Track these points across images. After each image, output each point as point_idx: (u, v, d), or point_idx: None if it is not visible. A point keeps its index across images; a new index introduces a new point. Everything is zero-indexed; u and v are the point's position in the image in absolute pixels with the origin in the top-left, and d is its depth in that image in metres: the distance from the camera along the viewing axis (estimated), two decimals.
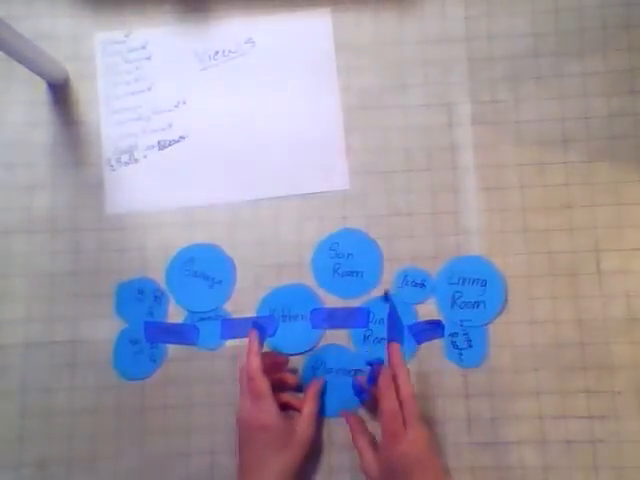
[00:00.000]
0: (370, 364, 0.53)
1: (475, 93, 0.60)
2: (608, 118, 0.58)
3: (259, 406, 0.50)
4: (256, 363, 0.51)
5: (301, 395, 0.55)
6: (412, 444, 0.47)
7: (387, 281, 0.57)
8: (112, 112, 0.62)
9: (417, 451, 0.47)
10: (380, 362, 0.52)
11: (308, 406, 0.52)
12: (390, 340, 0.55)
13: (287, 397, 0.54)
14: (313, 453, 0.55)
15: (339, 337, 0.57)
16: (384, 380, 0.50)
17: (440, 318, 0.57)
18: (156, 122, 0.61)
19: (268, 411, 0.50)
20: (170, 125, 0.61)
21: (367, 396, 0.54)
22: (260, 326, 0.54)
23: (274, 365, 0.54)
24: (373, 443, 0.52)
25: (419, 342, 0.56)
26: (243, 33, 0.62)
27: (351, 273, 0.58)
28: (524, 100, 0.59)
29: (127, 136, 0.61)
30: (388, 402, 0.49)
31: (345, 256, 0.58)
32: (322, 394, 0.55)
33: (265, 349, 0.55)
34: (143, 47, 0.63)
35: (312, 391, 0.54)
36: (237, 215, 0.60)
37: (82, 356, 0.58)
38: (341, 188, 0.59)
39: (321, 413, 0.56)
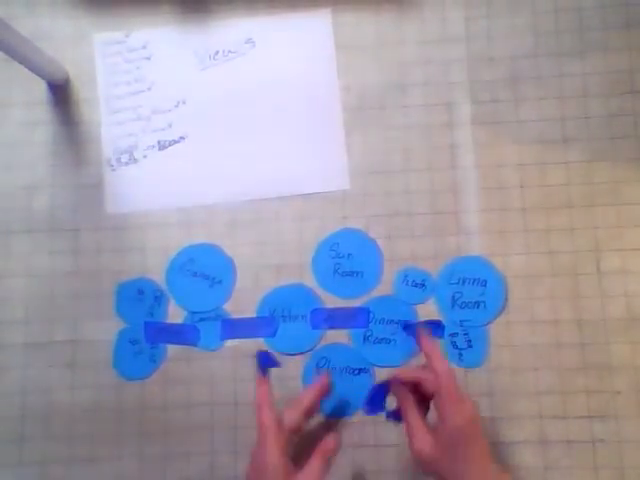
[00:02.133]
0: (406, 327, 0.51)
1: (475, 93, 0.60)
2: (608, 118, 0.58)
3: (261, 443, 0.46)
4: (262, 394, 0.47)
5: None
6: (475, 409, 0.44)
7: (387, 281, 0.57)
8: (112, 112, 0.62)
9: (474, 420, 0.44)
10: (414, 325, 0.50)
11: (312, 466, 0.46)
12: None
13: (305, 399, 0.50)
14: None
15: (339, 337, 0.57)
16: (426, 341, 0.47)
17: (440, 318, 0.57)
18: (156, 122, 0.61)
19: (267, 450, 0.45)
20: (170, 125, 0.61)
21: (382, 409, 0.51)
22: (263, 356, 0.51)
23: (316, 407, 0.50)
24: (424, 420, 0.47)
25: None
26: (243, 33, 0.62)
27: (351, 273, 0.58)
28: (524, 100, 0.59)
29: (127, 136, 0.61)
30: (440, 362, 0.45)
31: (345, 256, 0.58)
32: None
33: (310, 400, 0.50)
34: (143, 47, 0.63)
35: (323, 450, 0.47)
36: (237, 215, 0.60)
37: (82, 356, 0.58)
38: (341, 188, 0.59)
39: (326, 413, 0.56)
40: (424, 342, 0.48)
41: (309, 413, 0.49)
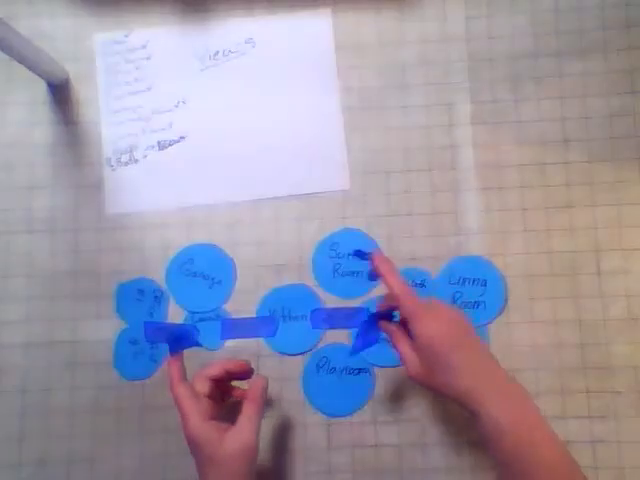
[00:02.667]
0: (357, 255, 0.52)
1: (475, 93, 0.60)
2: (608, 118, 0.58)
3: (180, 416, 0.46)
4: (171, 372, 0.47)
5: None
6: (437, 318, 0.45)
7: None
8: (112, 112, 0.62)
9: (447, 327, 0.45)
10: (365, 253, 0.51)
11: (246, 412, 0.46)
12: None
13: (232, 391, 0.51)
14: (313, 454, 0.55)
15: (339, 337, 0.57)
16: (380, 265, 0.49)
17: None
18: (156, 122, 0.61)
19: (189, 421, 0.45)
20: (170, 125, 0.61)
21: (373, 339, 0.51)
22: (176, 334, 0.50)
23: (233, 375, 0.50)
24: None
25: None
26: (243, 33, 0.62)
27: (351, 273, 0.58)
28: (524, 100, 0.59)
29: (127, 136, 0.61)
30: (396, 283, 0.47)
31: (345, 256, 0.58)
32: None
33: (234, 356, 0.53)
34: (143, 47, 0.63)
35: (253, 392, 0.47)
36: (237, 215, 0.60)
37: (82, 356, 0.58)
38: (341, 188, 0.59)
39: (326, 414, 0.56)
40: (379, 266, 0.49)
41: (216, 379, 0.48)
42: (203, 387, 0.48)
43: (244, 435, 0.45)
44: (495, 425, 0.42)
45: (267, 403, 0.54)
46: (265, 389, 0.48)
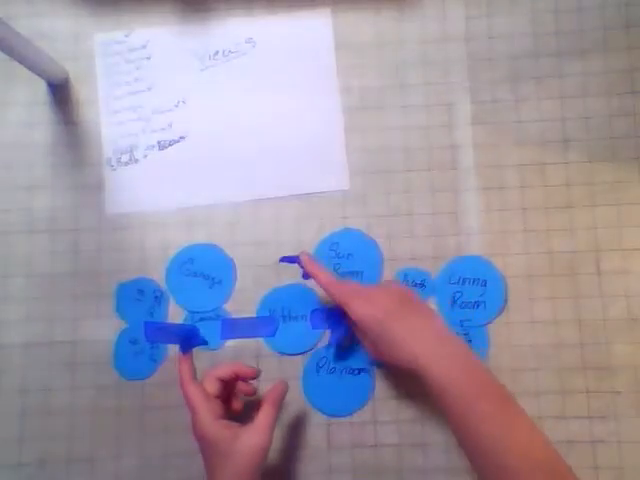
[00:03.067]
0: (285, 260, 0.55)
1: (475, 93, 0.60)
2: (608, 118, 0.58)
3: (192, 415, 0.47)
4: (182, 372, 0.49)
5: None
6: (366, 299, 0.49)
7: (387, 279, 0.57)
8: (112, 112, 0.62)
9: (375, 304, 0.49)
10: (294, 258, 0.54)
11: (263, 412, 0.47)
12: None
13: (238, 385, 0.53)
14: (313, 454, 0.55)
15: None
16: (308, 263, 0.53)
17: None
18: (156, 122, 0.61)
19: (201, 420, 0.46)
20: (170, 125, 0.61)
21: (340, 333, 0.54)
22: (187, 333, 0.51)
23: (240, 377, 0.52)
24: None
25: None
26: (243, 33, 0.62)
27: (351, 273, 0.58)
28: (524, 100, 0.59)
29: (127, 136, 0.61)
30: (320, 276, 0.51)
31: (345, 256, 0.58)
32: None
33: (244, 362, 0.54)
34: (143, 47, 0.63)
35: (273, 396, 0.49)
36: (237, 215, 0.60)
37: (82, 356, 0.58)
38: (341, 188, 0.59)
39: (326, 414, 0.56)
40: (307, 267, 0.53)
41: (224, 380, 0.50)
42: (212, 387, 0.49)
43: (261, 434, 0.46)
44: (439, 385, 0.45)
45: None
46: (285, 394, 0.50)
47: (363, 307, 0.49)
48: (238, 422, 0.48)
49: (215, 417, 0.47)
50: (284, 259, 0.55)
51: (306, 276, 0.54)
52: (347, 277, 0.58)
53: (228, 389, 0.51)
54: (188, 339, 0.51)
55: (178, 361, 0.50)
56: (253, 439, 0.46)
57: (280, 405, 0.49)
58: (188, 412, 0.55)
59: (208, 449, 0.46)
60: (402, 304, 0.49)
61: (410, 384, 0.56)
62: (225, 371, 0.50)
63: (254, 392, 0.53)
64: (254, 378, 0.52)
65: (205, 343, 0.53)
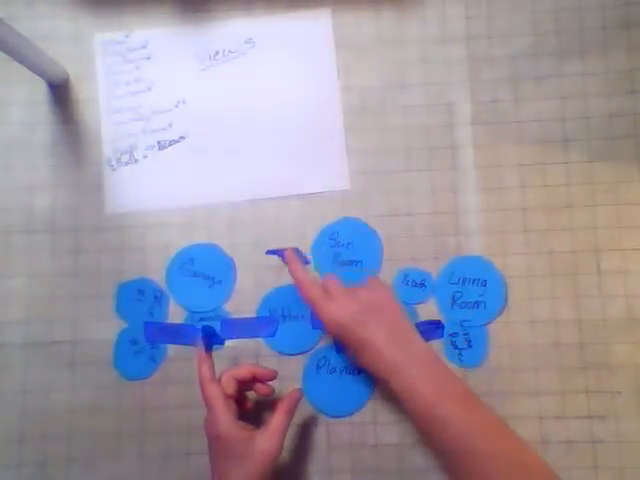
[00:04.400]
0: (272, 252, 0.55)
1: (475, 93, 0.60)
2: (608, 118, 0.58)
3: (211, 414, 0.48)
4: (203, 371, 0.49)
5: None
6: (334, 302, 0.49)
7: (387, 279, 0.57)
8: (112, 112, 0.62)
9: (342, 308, 0.49)
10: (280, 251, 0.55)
11: (278, 418, 0.48)
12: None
13: (256, 387, 0.53)
14: (313, 454, 0.55)
15: None
16: (289, 259, 0.53)
17: (440, 318, 0.57)
18: (156, 122, 0.61)
19: (220, 420, 0.47)
20: (170, 125, 0.61)
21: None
22: (208, 331, 0.52)
23: (257, 379, 0.52)
24: None
25: None
26: (243, 33, 0.62)
27: (350, 262, 0.58)
28: (524, 100, 0.59)
29: (127, 136, 0.61)
30: (296, 273, 0.51)
31: (345, 245, 0.58)
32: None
33: (258, 360, 0.56)
34: (143, 47, 0.63)
35: (287, 403, 0.50)
36: (237, 215, 0.60)
37: (82, 356, 0.58)
38: (341, 188, 0.59)
39: (326, 414, 0.56)
40: (289, 263, 0.53)
41: (242, 381, 0.51)
42: (229, 387, 0.50)
43: (275, 440, 0.47)
44: (404, 389, 0.46)
45: None
46: (298, 402, 0.51)
47: (330, 311, 0.49)
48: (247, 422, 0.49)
49: (234, 418, 0.48)
50: (270, 251, 0.55)
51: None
52: (346, 266, 0.58)
53: (242, 390, 0.52)
54: (209, 338, 0.51)
55: (199, 360, 0.50)
56: (266, 444, 0.47)
57: (293, 412, 0.50)
58: (189, 412, 0.55)
59: (221, 449, 0.47)
60: (371, 312, 0.49)
61: None
62: (243, 372, 0.51)
63: (272, 393, 0.53)
64: (271, 380, 0.53)
65: (222, 342, 0.54)
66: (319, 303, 0.50)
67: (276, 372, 0.53)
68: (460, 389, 0.47)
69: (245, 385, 0.52)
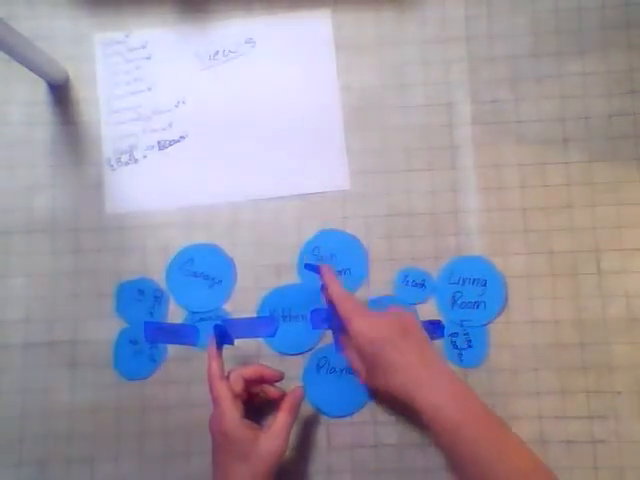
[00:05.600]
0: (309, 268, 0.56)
1: (475, 93, 0.60)
2: (608, 118, 0.58)
3: (218, 411, 0.48)
4: (213, 368, 0.50)
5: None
6: (370, 320, 0.50)
7: (387, 281, 0.57)
8: (112, 112, 0.62)
9: (377, 327, 0.49)
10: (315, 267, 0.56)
11: (281, 418, 0.49)
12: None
13: (265, 389, 0.54)
14: (313, 454, 0.55)
15: None
16: (325, 273, 0.54)
17: (440, 318, 0.57)
18: (156, 122, 0.61)
19: (227, 417, 0.48)
20: (170, 125, 0.61)
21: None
22: (220, 330, 0.52)
23: (264, 379, 0.53)
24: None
25: None
26: (243, 33, 0.62)
27: (339, 272, 0.58)
28: (524, 100, 0.59)
29: (127, 136, 0.61)
30: (331, 287, 0.52)
31: (328, 257, 0.58)
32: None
33: (260, 361, 0.56)
34: (143, 47, 0.63)
35: (290, 402, 0.50)
36: (237, 215, 0.60)
37: (82, 356, 0.58)
38: (341, 188, 0.59)
39: (326, 414, 0.56)
40: (324, 276, 0.54)
41: (249, 380, 0.51)
42: (237, 386, 0.50)
43: (279, 440, 0.48)
44: (428, 412, 0.45)
45: None
46: (301, 400, 0.51)
47: (364, 327, 0.49)
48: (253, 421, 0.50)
49: (241, 417, 0.48)
50: (308, 266, 0.56)
51: (323, 288, 0.55)
52: (336, 277, 0.58)
53: (249, 389, 0.52)
54: (220, 337, 0.52)
55: (209, 357, 0.51)
56: (271, 444, 0.47)
57: (297, 411, 0.50)
58: (189, 412, 0.55)
59: (226, 446, 0.48)
60: (401, 333, 0.49)
61: None
62: (251, 372, 0.51)
63: (281, 396, 0.53)
64: (278, 381, 0.53)
65: (232, 342, 0.54)
66: (355, 317, 0.50)
67: (283, 373, 0.53)
68: (485, 412, 0.46)
69: (252, 385, 0.52)
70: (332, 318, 0.55)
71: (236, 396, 0.49)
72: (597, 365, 0.55)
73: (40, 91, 0.62)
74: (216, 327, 0.52)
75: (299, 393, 0.51)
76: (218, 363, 0.50)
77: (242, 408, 0.49)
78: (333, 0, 0.62)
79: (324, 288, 0.55)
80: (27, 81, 0.61)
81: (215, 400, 0.49)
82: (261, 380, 0.52)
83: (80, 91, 0.62)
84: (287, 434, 0.48)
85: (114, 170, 0.61)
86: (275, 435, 0.48)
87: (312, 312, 0.57)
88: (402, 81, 0.61)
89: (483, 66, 0.60)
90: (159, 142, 0.61)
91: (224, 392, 0.49)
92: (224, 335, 0.52)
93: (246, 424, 0.48)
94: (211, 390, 0.49)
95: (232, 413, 0.48)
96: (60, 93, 0.62)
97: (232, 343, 0.54)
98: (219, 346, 0.52)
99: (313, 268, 0.55)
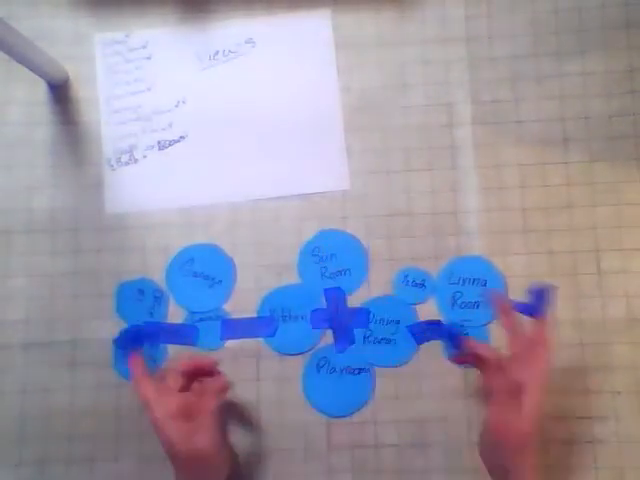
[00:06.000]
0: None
1: (475, 93, 0.60)
2: (608, 118, 0.58)
3: (148, 413, 0.46)
4: (136, 368, 0.49)
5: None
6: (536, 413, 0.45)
7: (387, 281, 0.57)
8: (112, 112, 0.62)
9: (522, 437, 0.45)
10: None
11: (205, 413, 0.46)
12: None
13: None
14: (313, 454, 0.55)
15: None
16: (498, 302, 0.50)
17: (440, 318, 0.57)
18: (156, 122, 0.61)
19: (156, 417, 0.45)
20: (170, 125, 0.61)
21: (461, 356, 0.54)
22: (133, 335, 0.52)
23: (199, 371, 0.50)
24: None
25: (419, 342, 0.56)
26: (243, 33, 0.62)
27: (339, 272, 0.58)
28: (524, 100, 0.59)
29: (127, 136, 0.61)
30: (483, 352, 0.49)
31: (329, 258, 0.58)
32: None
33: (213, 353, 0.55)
34: (143, 47, 0.63)
35: (212, 388, 0.48)
36: (237, 215, 0.60)
37: (82, 356, 0.58)
38: (341, 188, 0.59)
39: (326, 414, 0.56)
40: (497, 305, 0.50)
41: (188, 374, 0.49)
42: (176, 382, 0.48)
43: (206, 434, 0.46)
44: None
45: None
46: (220, 391, 0.49)
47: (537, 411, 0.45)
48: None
49: (170, 414, 0.45)
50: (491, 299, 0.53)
51: (495, 315, 0.53)
52: (336, 277, 0.58)
53: (191, 383, 0.49)
54: (133, 341, 0.52)
55: (131, 362, 0.49)
56: (195, 442, 0.45)
57: (218, 403, 0.47)
58: None
59: (165, 448, 0.46)
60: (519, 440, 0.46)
61: (410, 384, 0.56)
62: (185, 366, 0.49)
63: (226, 387, 0.50)
64: (214, 368, 0.50)
65: (142, 344, 0.53)
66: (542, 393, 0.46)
67: (215, 360, 0.50)
68: None
69: (194, 377, 0.49)
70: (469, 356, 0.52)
71: (177, 391, 0.47)
72: (597, 365, 0.55)
73: (40, 91, 0.62)
74: (127, 332, 0.53)
75: (221, 382, 0.49)
76: (141, 365, 0.49)
77: (181, 402, 0.46)
78: (333, 0, 0.62)
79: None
80: (27, 81, 0.61)
81: (143, 404, 0.46)
82: (199, 371, 0.50)
83: (80, 91, 0.62)
84: (210, 429, 0.46)
85: (114, 170, 0.61)
86: (203, 430, 0.46)
87: (312, 312, 0.57)
88: (402, 81, 0.61)
89: (483, 66, 0.60)
90: (159, 142, 0.61)
91: (149, 394, 0.46)
92: (135, 339, 0.52)
93: (174, 425, 0.45)
94: (138, 393, 0.47)
95: (160, 414, 0.45)
96: (60, 93, 0.62)
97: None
98: (135, 349, 0.51)
99: (455, 340, 0.53)
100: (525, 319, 0.48)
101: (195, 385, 0.50)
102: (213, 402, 0.47)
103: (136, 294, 0.59)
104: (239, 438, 0.56)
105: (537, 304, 0.48)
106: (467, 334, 0.56)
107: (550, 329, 0.47)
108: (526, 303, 0.49)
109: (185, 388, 0.48)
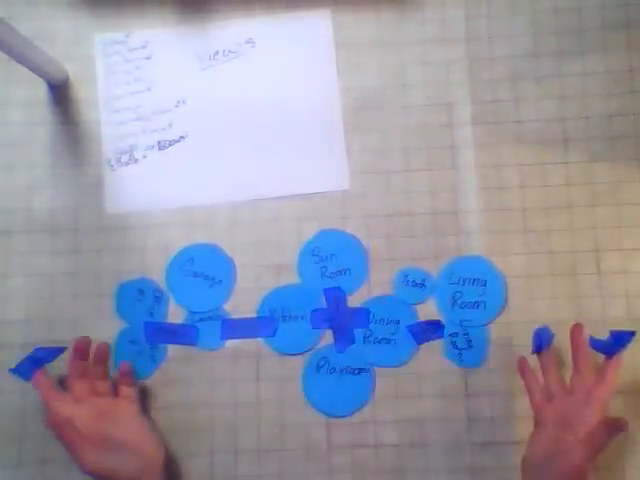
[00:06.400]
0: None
1: (475, 93, 0.60)
2: (608, 118, 0.58)
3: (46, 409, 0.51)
4: (45, 388, 0.52)
5: None
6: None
7: (387, 281, 0.57)
8: (112, 112, 0.62)
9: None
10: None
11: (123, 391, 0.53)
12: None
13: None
14: (313, 454, 0.55)
15: None
16: (576, 333, 0.51)
17: (440, 318, 0.57)
18: (156, 122, 0.61)
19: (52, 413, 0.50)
20: (170, 125, 0.61)
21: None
22: (40, 355, 0.54)
23: (83, 352, 0.54)
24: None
25: (419, 342, 0.56)
26: (243, 33, 0.62)
27: (339, 272, 0.58)
28: (524, 100, 0.59)
29: (127, 136, 0.61)
30: (581, 359, 0.50)
31: (329, 257, 0.58)
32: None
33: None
34: (143, 47, 0.63)
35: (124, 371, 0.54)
36: (237, 215, 0.60)
37: None
38: (341, 188, 0.60)
39: (326, 414, 0.56)
40: (574, 336, 0.52)
41: (79, 357, 0.53)
42: (81, 387, 0.52)
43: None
44: None
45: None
46: (122, 375, 0.55)
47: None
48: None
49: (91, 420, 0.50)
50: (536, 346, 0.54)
51: (536, 349, 0.54)
52: (336, 277, 0.58)
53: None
54: (39, 360, 0.53)
55: (36, 381, 0.52)
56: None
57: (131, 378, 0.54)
58: (189, 412, 0.55)
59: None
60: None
61: (410, 384, 0.56)
62: (72, 357, 0.53)
63: (108, 350, 0.55)
64: (89, 344, 0.54)
65: (50, 361, 0.54)
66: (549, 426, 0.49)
67: (87, 338, 0.54)
68: None
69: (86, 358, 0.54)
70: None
71: (95, 396, 0.52)
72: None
73: (40, 91, 0.62)
74: (37, 351, 0.54)
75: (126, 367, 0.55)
76: (48, 384, 0.52)
77: (102, 405, 0.53)
78: (333, 0, 0.62)
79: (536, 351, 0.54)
80: (27, 81, 0.61)
81: (53, 429, 0.51)
82: (82, 351, 0.53)
83: (80, 91, 0.62)
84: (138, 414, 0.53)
85: (114, 170, 0.61)
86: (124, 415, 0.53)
87: (312, 312, 0.57)
88: (402, 81, 0.61)
89: (483, 66, 0.60)
90: (159, 142, 0.61)
91: (60, 417, 0.51)
92: (40, 360, 0.53)
93: (96, 433, 0.51)
94: (48, 419, 0.51)
95: (54, 406, 0.51)
96: (60, 93, 0.62)
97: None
98: (40, 366, 0.53)
99: (540, 343, 0.53)
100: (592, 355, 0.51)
101: (103, 387, 0.54)
102: (129, 392, 0.53)
103: (136, 294, 0.59)
104: (234, 438, 0.56)
105: (615, 346, 0.50)
106: (467, 334, 0.56)
107: (617, 372, 0.49)
108: (602, 341, 0.51)
109: (86, 373, 0.53)
